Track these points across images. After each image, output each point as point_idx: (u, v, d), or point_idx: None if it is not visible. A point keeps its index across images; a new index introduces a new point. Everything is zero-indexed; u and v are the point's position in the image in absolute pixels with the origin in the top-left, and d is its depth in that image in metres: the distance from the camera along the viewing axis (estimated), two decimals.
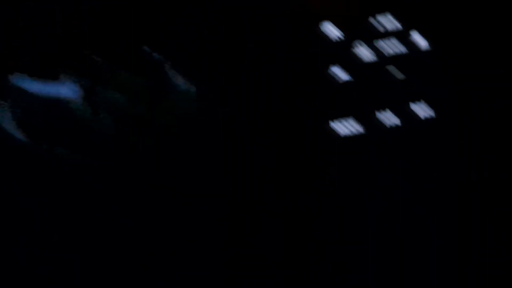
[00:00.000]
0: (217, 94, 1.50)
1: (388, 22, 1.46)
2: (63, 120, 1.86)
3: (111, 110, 1.85)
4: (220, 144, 1.61)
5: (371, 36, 1.45)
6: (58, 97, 1.95)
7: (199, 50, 1.55)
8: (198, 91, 1.52)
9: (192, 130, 1.64)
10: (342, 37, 1.43)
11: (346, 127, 1.35)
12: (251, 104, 1.50)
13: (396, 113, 1.36)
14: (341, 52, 1.39)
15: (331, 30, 1.42)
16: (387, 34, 1.45)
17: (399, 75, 1.40)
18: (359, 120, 1.37)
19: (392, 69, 1.38)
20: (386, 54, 1.40)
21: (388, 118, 1.36)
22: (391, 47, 1.43)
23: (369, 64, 1.39)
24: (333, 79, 1.38)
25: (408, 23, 1.44)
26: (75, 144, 1.82)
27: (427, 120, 1.38)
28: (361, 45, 1.40)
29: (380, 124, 1.37)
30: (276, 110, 1.45)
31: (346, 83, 1.38)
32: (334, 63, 1.38)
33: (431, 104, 1.39)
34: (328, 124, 1.37)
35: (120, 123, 1.81)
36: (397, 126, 1.36)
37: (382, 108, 1.37)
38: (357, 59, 1.39)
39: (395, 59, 1.39)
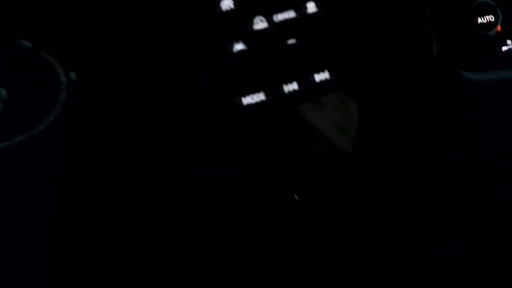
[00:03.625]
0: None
1: None
2: None
3: None
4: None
5: (269, 8, 1.55)
6: None
7: None
8: None
9: None
10: (241, 11, 1.51)
11: (251, 97, 1.42)
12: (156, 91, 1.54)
13: (296, 79, 1.44)
14: (240, 26, 1.45)
15: (228, 5, 1.50)
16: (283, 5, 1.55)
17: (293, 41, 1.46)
18: (262, 89, 1.44)
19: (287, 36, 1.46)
20: (282, 24, 1.47)
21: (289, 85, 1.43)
22: (286, 16, 1.52)
23: (267, 35, 1.46)
24: (234, 52, 1.44)
25: None
26: None
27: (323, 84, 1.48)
28: (260, 19, 1.48)
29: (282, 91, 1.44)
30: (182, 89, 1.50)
31: (246, 55, 1.45)
32: (234, 37, 1.44)
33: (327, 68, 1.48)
34: (234, 95, 1.43)
35: None
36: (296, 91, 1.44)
37: (283, 76, 1.45)
38: (256, 32, 1.46)
39: (290, 26, 1.47)
